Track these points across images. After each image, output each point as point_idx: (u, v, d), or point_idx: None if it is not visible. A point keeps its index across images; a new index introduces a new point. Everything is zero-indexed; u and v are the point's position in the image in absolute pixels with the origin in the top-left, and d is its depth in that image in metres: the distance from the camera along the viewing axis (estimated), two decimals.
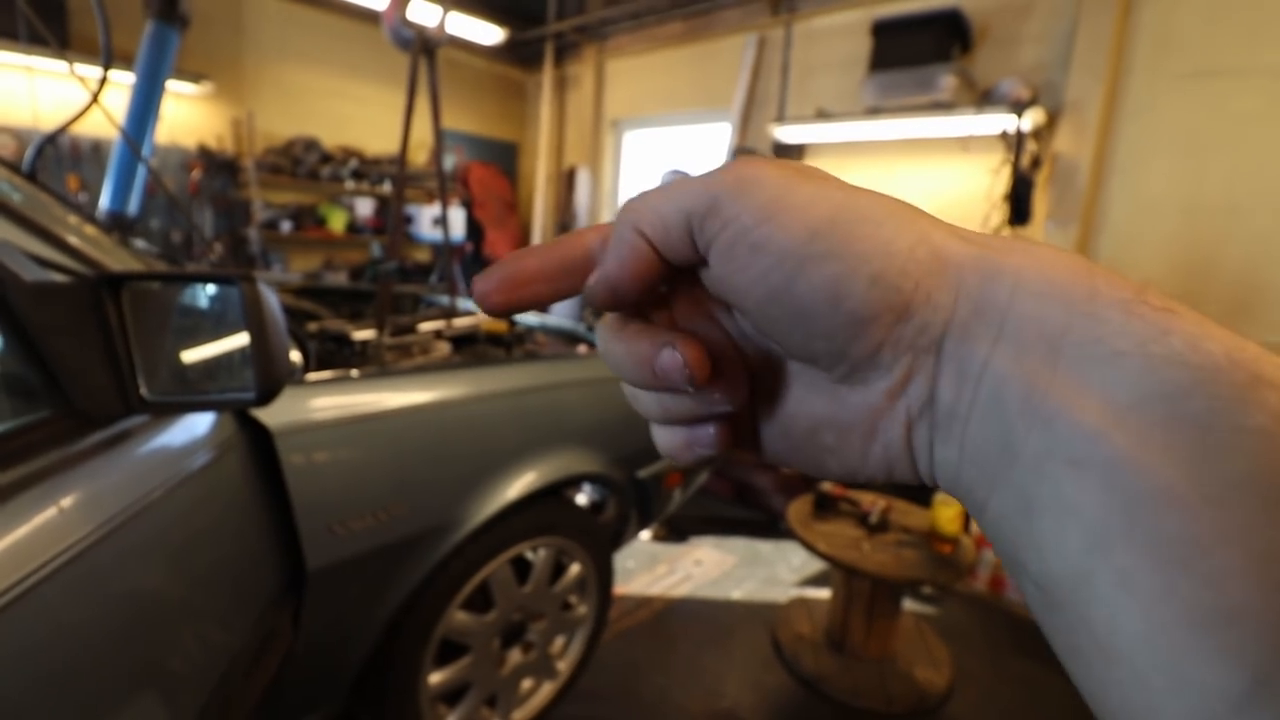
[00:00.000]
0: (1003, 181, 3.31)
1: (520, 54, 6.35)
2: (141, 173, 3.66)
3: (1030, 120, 3.25)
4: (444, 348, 1.64)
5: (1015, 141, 3.28)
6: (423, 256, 5.88)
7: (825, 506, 2.22)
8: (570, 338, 2.08)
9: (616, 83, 5.71)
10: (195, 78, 4.28)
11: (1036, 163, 3.30)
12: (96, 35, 4.07)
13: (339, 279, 5.02)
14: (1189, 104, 3.06)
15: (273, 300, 0.70)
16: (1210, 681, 0.13)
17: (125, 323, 0.67)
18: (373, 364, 1.44)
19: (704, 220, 0.19)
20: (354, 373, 1.16)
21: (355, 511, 1.08)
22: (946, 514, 1.99)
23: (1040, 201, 3.35)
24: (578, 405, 1.46)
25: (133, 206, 3.66)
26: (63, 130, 1.44)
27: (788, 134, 4.15)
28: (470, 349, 1.70)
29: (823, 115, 3.97)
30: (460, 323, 1.74)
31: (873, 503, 2.19)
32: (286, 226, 4.73)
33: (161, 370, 0.71)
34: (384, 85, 5.42)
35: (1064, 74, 3.35)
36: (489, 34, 5.28)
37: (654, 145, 5.72)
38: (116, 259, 0.86)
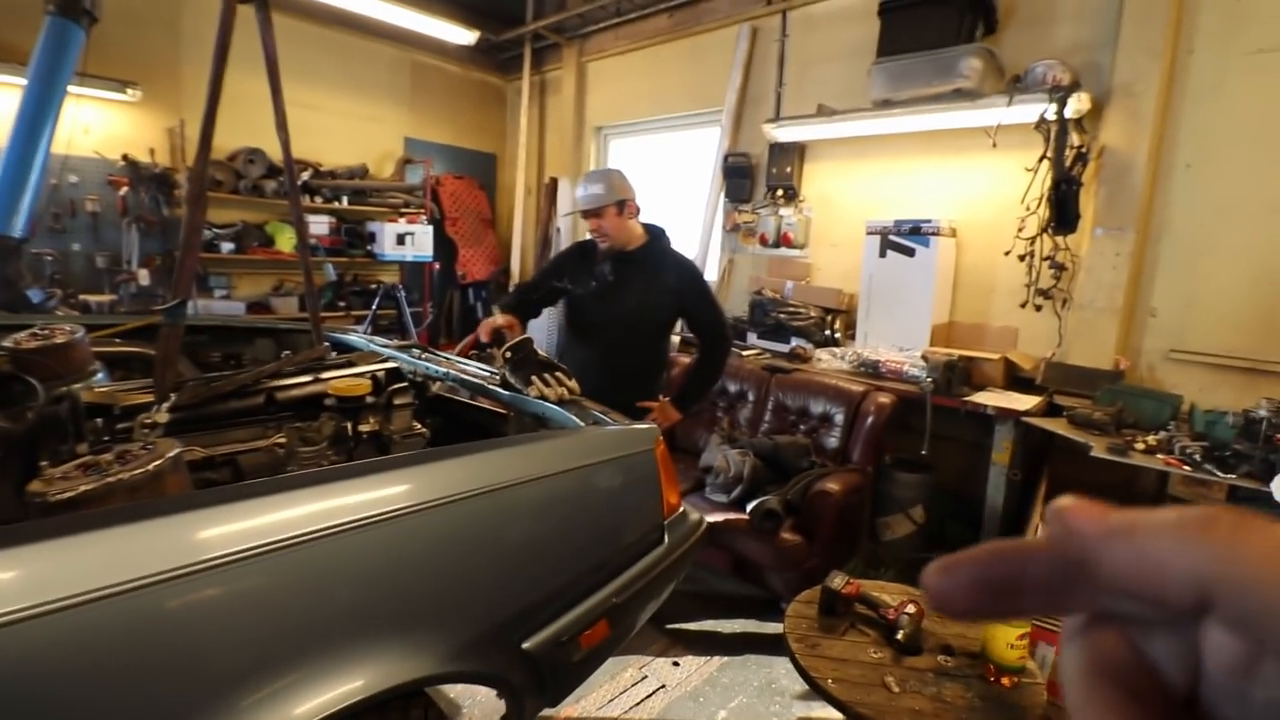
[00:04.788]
0: (1042, 180, 2.77)
1: (498, 59, 5.91)
2: (33, 189, 3.21)
3: (1073, 108, 2.72)
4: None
5: (1056, 133, 2.74)
6: (389, 277, 5.38)
7: (836, 609, 1.66)
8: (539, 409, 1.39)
9: (599, 86, 5.24)
10: (122, 85, 3.82)
11: (1082, 158, 2.76)
12: (3, 38, 3.67)
13: (289, 304, 4.54)
14: (1267, 84, 2.52)
15: None
16: None
17: None
18: (116, 461, 0.91)
19: (1225, 593, 0.15)
20: None
21: None
22: (1007, 633, 1.43)
23: (1087, 203, 2.80)
24: (396, 556, 0.84)
25: (19, 228, 3.20)
26: None
27: (786, 133, 3.63)
28: (298, 427, 1.17)
29: (825, 111, 3.45)
30: (293, 381, 1.22)
31: (900, 605, 1.63)
32: (227, 248, 4.25)
33: None
34: (339, 92, 4.98)
35: (1110, 54, 2.82)
36: (461, 36, 4.83)
37: (640, 153, 5.23)
38: None
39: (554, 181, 5.59)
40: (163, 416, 1.03)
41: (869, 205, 3.55)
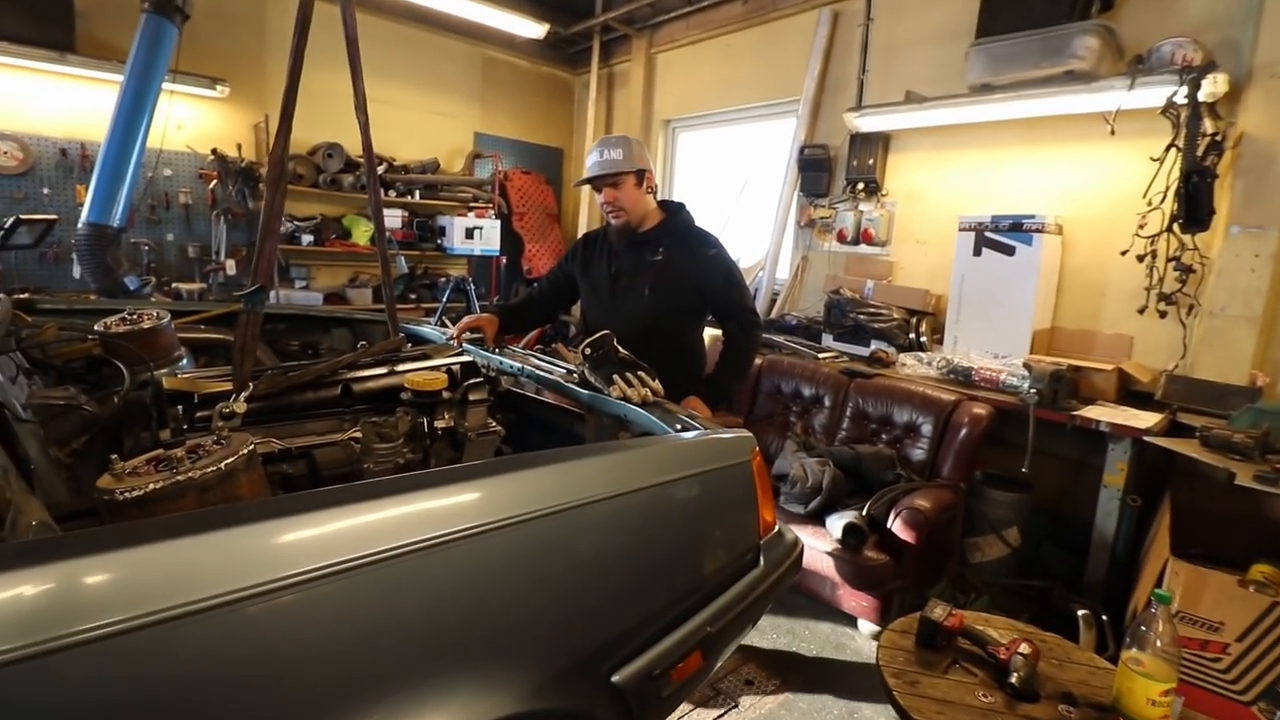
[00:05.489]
0: (1168, 172, 2.48)
1: (566, 53, 5.88)
2: (130, 181, 3.36)
3: (1206, 90, 2.42)
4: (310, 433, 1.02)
5: (1187, 119, 2.45)
6: (457, 270, 5.44)
7: (936, 643, 1.50)
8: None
9: (668, 78, 5.13)
10: (212, 81, 3.98)
11: (1216, 146, 2.46)
12: (106, 37, 3.88)
13: (364, 295, 4.64)
14: None
15: None
16: None
17: None
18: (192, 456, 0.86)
19: None
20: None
21: None
22: (1148, 686, 1.24)
23: (1221, 198, 2.49)
24: (480, 577, 0.74)
25: (118, 217, 3.35)
26: None
27: (869, 122, 3.43)
28: (375, 422, 1.12)
29: (914, 99, 3.22)
30: (369, 373, 1.17)
31: (1012, 644, 1.45)
32: (306, 240, 4.37)
33: None
34: (412, 87, 5.05)
35: (1250, 29, 2.50)
36: (532, 29, 4.81)
37: (710, 147, 5.09)
38: None
39: None
40: (240, 406, 1.00)
41: (960, 200, 3.31)
